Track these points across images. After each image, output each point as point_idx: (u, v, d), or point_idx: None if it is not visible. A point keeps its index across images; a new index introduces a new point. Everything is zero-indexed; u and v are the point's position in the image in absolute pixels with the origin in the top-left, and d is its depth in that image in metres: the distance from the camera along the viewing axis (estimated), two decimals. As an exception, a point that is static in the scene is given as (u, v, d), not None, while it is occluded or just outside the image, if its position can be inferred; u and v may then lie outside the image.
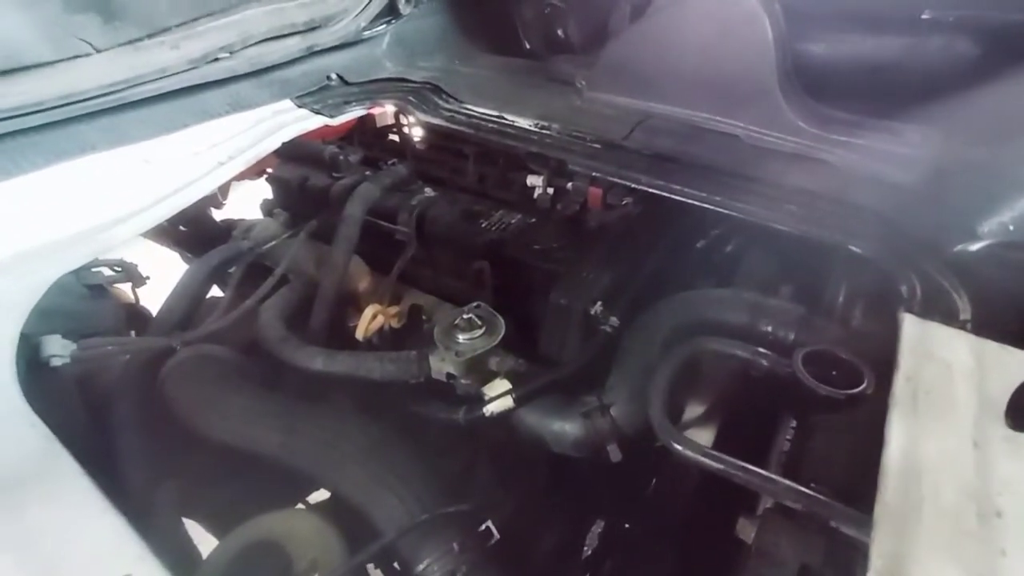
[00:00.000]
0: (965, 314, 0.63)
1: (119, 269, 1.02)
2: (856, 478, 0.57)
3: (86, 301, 0.96)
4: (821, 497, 0.54)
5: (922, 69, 0.96)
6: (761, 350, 0.72)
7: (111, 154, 0.97)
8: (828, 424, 0.67)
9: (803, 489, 0.55)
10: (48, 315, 0.86)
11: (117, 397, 0.95)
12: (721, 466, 0.60)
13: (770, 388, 0.73)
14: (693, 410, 0.95)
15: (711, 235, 1.07)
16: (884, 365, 0.66)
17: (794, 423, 0.70)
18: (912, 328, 0.65)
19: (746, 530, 0.57)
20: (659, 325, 0.85)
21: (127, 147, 0.99)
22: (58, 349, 0.87)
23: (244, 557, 0.73)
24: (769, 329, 0.78)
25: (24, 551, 0.58)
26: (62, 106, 0.83)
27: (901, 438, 0.53)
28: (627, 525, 1.14)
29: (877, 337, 0.73)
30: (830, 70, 1.01)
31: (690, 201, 0.97)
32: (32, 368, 0.82)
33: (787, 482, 0.56)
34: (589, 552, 1.22)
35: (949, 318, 0.65)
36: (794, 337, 0.74)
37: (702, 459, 0.61)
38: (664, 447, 0.92)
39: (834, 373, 0.65)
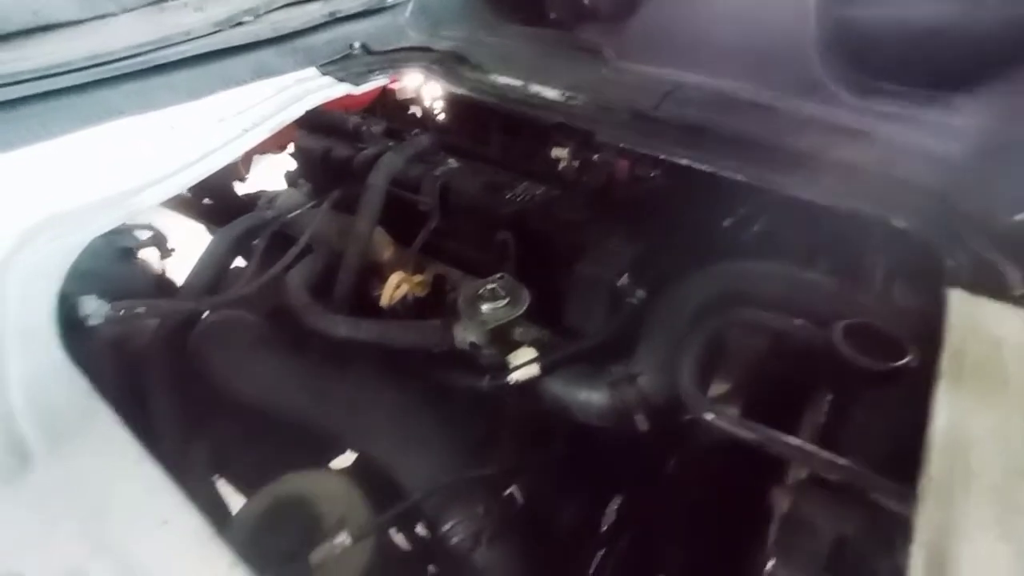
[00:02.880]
0: (1018, 289, 0.61)
1: (149, 234, 1.04)
2: (896, 454, 0.56)
3: (118, 264, 0.98)
4: (860, 469, 0.53)
5: (976, 35, 0.91)
6: (798, 321, 0.70)
7: (138, 119, 0.97)
8: (867, 399, 0.65)
9: (841, 461, 0.54)
10: (83, 276, 0.87)
11: (148, 359, 0.98)
12: (754, 436, 0.59)
13: (805, 362, 0.71)
14: (718, 386, 0.93)
15: (742, 208, 1.04)
16: (928, 341, 0.64)
17: (829, 398, 0.68)
18: (960, 304, 0.62)
19: (780, 499, 0.57)
20: (690, 296, 0.84)
21: (153, 113, 0.99)
22: (94, 309, 0.89)
23: (273, 513, 0.75)
24: (805, 303, 0.76)
25: (71, 497, 0.60)
26: (90, 67, 0.83)
27: (948, 414, 0.51)
28: (645, 502, 1.14)
29: (920, 313, 0.71)
30: (875, 36, 0.96)
31: (722, 173, 0.94)
32: (70, 327, 0.84)
33: (826, 453, 0.55)
34: (606, 528, 1.22)
35: (999, 294, 0.62)
36: (832, 311, 0.72)
37: (735, 429, 0.61)
38: (689, 421, 0.92)
39: (875, 347, 0.63)
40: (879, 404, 0.65)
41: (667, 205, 1.07)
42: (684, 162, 0.96)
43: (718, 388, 0.93)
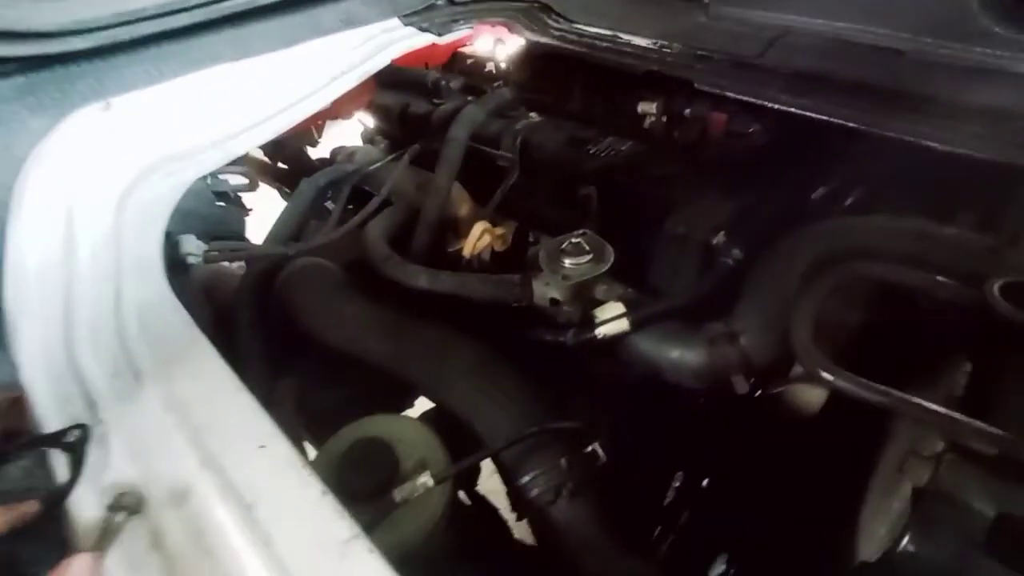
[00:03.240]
0: None
1: (245, 179, 1.07)
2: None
3: (215, 207, 1.02)
4: (1024, 441, 0.45)
5: None
6: (940, 278, 0.62)
7: (235, 65, 0.99)
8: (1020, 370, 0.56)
9: (1000, 432, 0.46)
10: (184, 216, 0.92)
11: (238, 300, 1.02)
12: (886, 400, 0.53)
13: (942, 326, 0.63)
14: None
15: (854, 165, 0.94)
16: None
17: (967, 365, 0.60)
18: None
19: (916, 471, 0.50)
20: (799, 252, 0.76)
21: (249, 60, 1.01)
22: (193, 248, 0.93)
23: (354, 452, 0.76)
24: (942, 261, 0.66)
25: (180, 415, 0.62)
26: (193, 7, 0.86)
27: None
28: (727, 472, 1.08)
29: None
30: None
31: (839, 122, 0.85)
32: (172, 264, 0.88)
33: (979, 423, 0.48)
34: (678, 496, 1.18)
35: None
36: (977, 271, 0.62)
37: (862, 392, 0.54)
38: (777, 393, 0.85)
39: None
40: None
41: (769, 161, 0.98)
42: (796, 112, 0.87)
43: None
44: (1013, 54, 0.79)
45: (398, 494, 0.68)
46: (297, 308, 0.98)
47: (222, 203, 1.13)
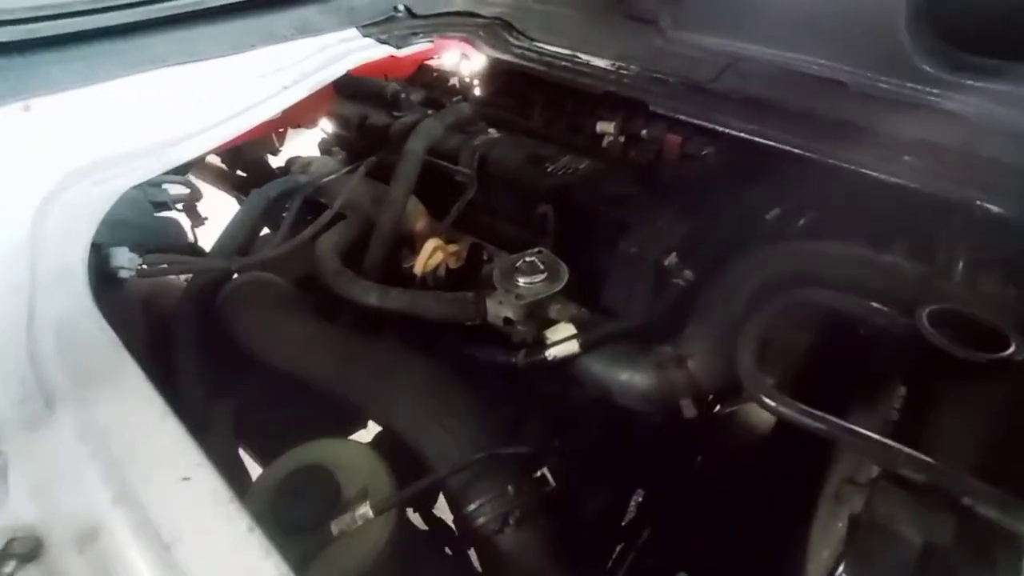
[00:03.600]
0: None
1: (187, 188, 1.02)
2: (992, 456, 0.49)
3: (151, 217, 0.96)
4: (951, 471, 0.46)
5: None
6: (876, 305, 0.63)
7: (180, 70, 0.95)
8: (953, 394, 0.58)
9: (929, 460, 0.47)
10: (116, 227, 0.86)
11: (175, 316, 0.96)
12: (823, 427, 0.53)
13: (874, 352, 0.64)
14: (772, 373, 0.87)
15: (803, 190, 0.96)
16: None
17: (903, 391, 0.61)
18: (1067, 293, 0.55)
19: (851, 499, 0.50)
20: (747, 276, 0.77)
21: (195, 64, 0.97)
22: (126, 261, 0.87)
23: (294, 479, 0.72)
24: (880, 288, 0.68)
25: (95, 445, 0.58)
26: (131, 5, 0.81)
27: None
28: (677, 493, 1.08)
29: (1012, 304, 0.63)
30: (969, 5, 0.87)
31: (786, 148, 0.87)
32: (101, 278, 0.83)
33: (909, 450, 0.48)
34: (632, 517, 1.17)
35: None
36: (911, 298, 0.64)
37: (801, 418, 0.55)
38: (729, 412, 0.85)
39: (965, 336, 0.56)
40: (968, 400, 0.58)
41: (721, 184, 1.00)
42: (745, 136, 0.89)
43: (771, 376, 0.86)
44: (941, 91, 0.83)
45: (335, 526, 0.64)
46: (236, 326, 0.93)
47: (167, 213, 1.08)
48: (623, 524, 1.17)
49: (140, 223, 0.93)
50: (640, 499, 1.19)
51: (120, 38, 0.86)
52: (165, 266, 0.90)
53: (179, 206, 1.14)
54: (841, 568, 0.47)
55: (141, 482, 0.55)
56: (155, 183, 0.98)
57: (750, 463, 0.96)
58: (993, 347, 0.55)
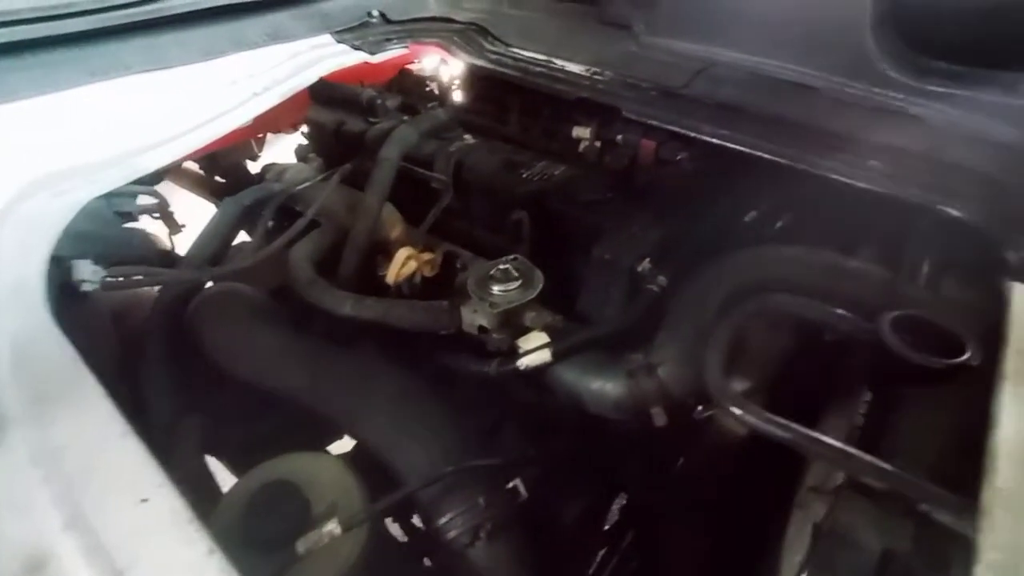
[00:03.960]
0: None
1: (153, 199, 1.00)
2: (947, 460, 0.49)
3: (117, 228, 0.94)
4: (909, 476, 0.47)
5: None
6: (840, 311, 0.64)
7: (147, 77, 0.93)
8: (913, 399, 0.59)
9: (887, 466, 0.48)
10: (79, 239, 0.84)
11: (146, 329, 0.94)
12: (788, 435, 0.53)
13: (837, 359, 0.65)
14: (742, 381, 0.87)
15: (776, 194, 0.97)
16: (983, 338, 0.58)
17: (868, 397, 0.62)
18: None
19: (813, 506, 0.50)
20: (717, 283, 0.77)
21: (163, 71, 0.95)
22: (89, 274, 0.85)
23: (262, 495, 0.71)
24: (846, 293, 0.69)
25: (48, 467, 0.56)
26: (94, 11, 0.79)
27: (1015, 418, 0.45)
28: (655, 501, 1.08)
29: (973, 308, 0.64)
30: (929, 11, 0.89)
31: (757, 153, 0.88)
32: (63, 291, 0.81)
33: (869, 457, 0.49)
34: (609, 526, 1.17)
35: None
36: (877, 303, 0.65)
37: (766, 427, 0.55)
38: (705, 417, 0.85)
39: (927, 342, 0.57)
40: (927, 405, 0.58)
41: (694, 189, 1.00)
42: (716, 142, 0.90)
43: (742, 384, 0.86)
44: (907, 97, 0.84)
45: (302, 544, 0.63)
46: (205, 338, 0.91)
47: (143, 222, 1.05)
48: (605, 529, 1.17)
49: (105, 234, 0.92)
50: (622, 503, 1.19)
51: (82, 45, 0.84)
52: (131, 278, 0.88)
53: (155, 215, 1.12)
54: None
55: (96, 505, 0.53)
56: (121, 193, 0.96)
57: (728, 468, 0.97)
58: (952, 352, 0.55)
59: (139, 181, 0.90)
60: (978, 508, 0.42)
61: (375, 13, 1.23)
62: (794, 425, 0.54)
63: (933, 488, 0.46)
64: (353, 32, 1.19)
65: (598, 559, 1.16)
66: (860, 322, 0.61)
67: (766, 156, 0.86)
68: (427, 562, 0.95)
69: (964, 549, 0.40)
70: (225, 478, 0.98)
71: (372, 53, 1.15)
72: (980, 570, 0.38)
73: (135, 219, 0.98)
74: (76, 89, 0.84)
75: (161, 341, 0.94)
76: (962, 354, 0.54)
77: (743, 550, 0.85)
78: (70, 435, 0.59)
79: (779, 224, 0.97)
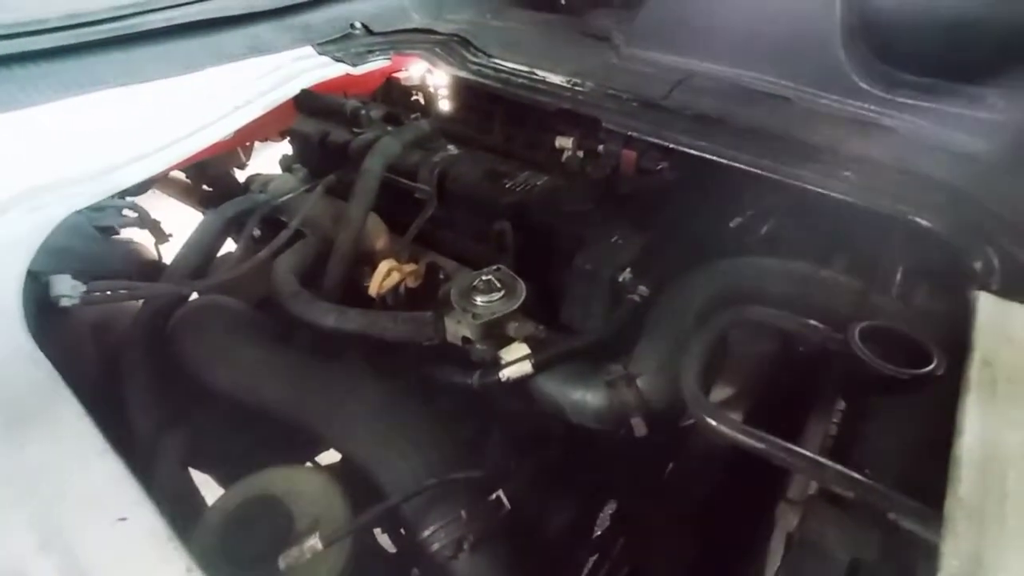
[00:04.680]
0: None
1: (133, 213, 0.99)
2: (917, 468, 0.51)
3: (97, 243, 0.94)
4: (878, 486, 0.48)
5: (1007, 24, 0.86)
6: (812, 322, 0.65)
7: (125, 91, 0.93)
8: (884, 409, 0.60)
9: (857, 476, 0.49)
10: (57, 254, 0.83)
11: (127, 343, 0.93)
12: (762, 446, 0.54)
13: (818, 367, 0.66)
14: (720, 390, 0.88)
15: (753, 203, 0.99)
16: (950, 347, 0.59)
17: (842, 406, 0.63)
18: (989, 308, 0.57)
19: (786, 516, 0.52)
20: (694, 293, 0.78)
21: (142, 85, 0.95)
22: (67, 290, 0.84)
23: (244, 511, 0.71)
24: (820, 303, 0.70)
25: (23, 487, 0.56)
26: (68, 27, 0.79)
27: (979, 427, 0.46)
28: (639, 510, 1.09)
29: (942, 317, 0.66)
30: (899, 25, 0.91)
31: (733, 164, 0.89)
32: (41, 308, 0.80)
33: (838, 467, 0.50)
34: (599, 532, 1.18)
35: (1032, 298, 0.57)
36: (849, 313, 0.66)
37: (740, 437, 0.56)
38: (689, 426, 0.86)
39: (896, 352, 0.58)
40: (897, 414, 0.59)
41: (674, 199, 1.02)
42: (694, 152, 0.91)
43: (721, 392, 0.88)
44: (878, 108, 0.87)
45: (283, 560, 0.63)
46: (186, 352, 0.91)
47: (127, 234, 1.04)
48: (594, 536, 1.18)
49: (85, 249, 0.91)
50: (611, 510, 1.19)
51: (55, 60, 0.83)
52: (112, 293, 0.88)
53: (140, 227, 1.11)
54: (776, 587, 0.48)
55: (72, 525, 0.53)
56: (101, 207, 0.95)
57: (714, 477, 0.98)
58: (920, 362, 0.57)
59: (126, 191, 0.90)
60: (942, 516, 0.43)
61: (358, 25, 1.24)
62: (767, 435, 0.55)
63: (900, 497, 0.47)
64: (335, 44, 1.19)
65: (588, 566, 1.16)
66: (830, 333, 0.63)
67: (743, 167, 0.87)
68: (416, 573, 0.95)
69: (930, 558, 0.41)
70: (211, 490, 0.98)
71: (354, 65, 1.16)
72: (942, 577, 0.39)
73: (116, 232, 0.98)
74: (51, 104, 0.84)
75: (141, 355, 0.93)
76: (929, 364, 0.56)
77: (730, 559, 0.86)
78: (47, 454, 0.59)
79: (761, 232, 0.98)
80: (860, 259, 0.81)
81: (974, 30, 0.86)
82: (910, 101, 0.86)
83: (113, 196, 0.87)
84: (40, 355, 0.69)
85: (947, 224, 0.70)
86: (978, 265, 0.65)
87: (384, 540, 0.99)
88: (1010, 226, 0.67)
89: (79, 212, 0.85)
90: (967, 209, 0.73)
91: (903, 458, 0.55)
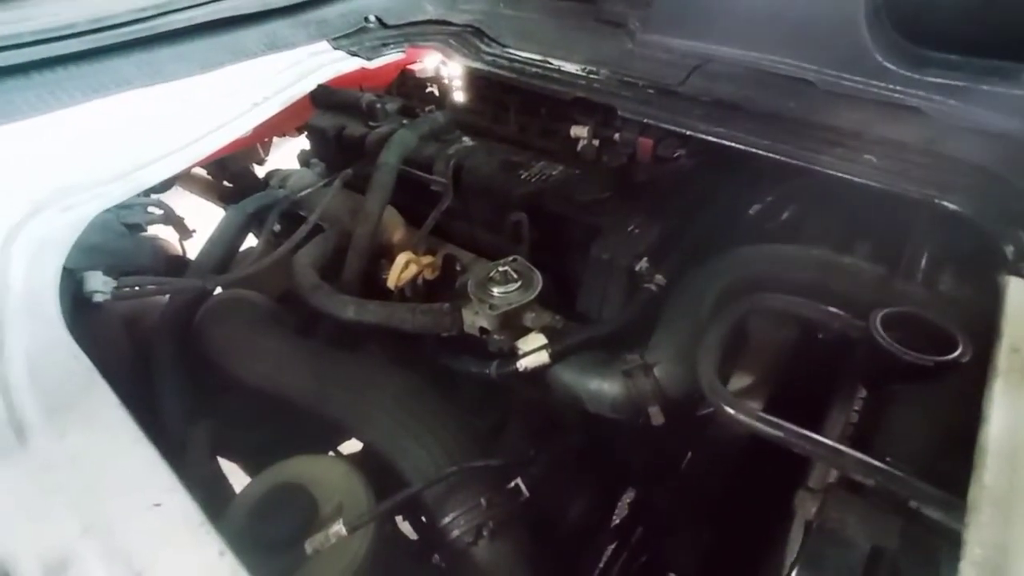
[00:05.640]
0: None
1: (159, 210, 1.02)
2: (940, 457, 0.50)
3: (125, 239, 0.97)
4: (900, 473, 0.47)
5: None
6: (832, 309, 0.64)
7: (148, 90, 0.95)
8: (907, 396, 0.59)
9: (878, 463, 0.48)
10: (89, 251, 0.86)
11: (154, 337, 0.97)
12: (780, 434, 0.54)
13: (837, 355, 0.65)
14: (739, 378, 0.88)
15: (773, 190, 0.97)
16: (977, 334, 0.58)
17: (863, 394, 0.62)
18: (1020, 293, 0.56)
19: (805, 504, 0.51)
20: (711, 281, 0.78)
21: (163, 84, 0.97)
22: (100, 285, 0.87)
23: (270, 498, 0.73)
24: (840, 290, 0.69)
25: (65, 474, 0.58)
26: (94, 31, 0.81)
27: (1006, 415, 0.45)
28: (658, 498, 1.09)
29: (969, 303, 0.64)
30: (928, 1, 0.88)
31: (752, 150, 0.88)
32: (76, 303, 0.83)
33: (858, 454, 0.49)
34: (618, 521, 1.18)
35: (1065, 282, 0.55)
36: (871, 299, 0.65)
37: (758, 425, 0.55)
38: (707, 414, 0.86)
39: (919, 339, 0.57)
40: (921, 402, 0.58)
41: (692, 187, 1.00)
42: (712, 139, 0.90)
43: (740, 381, 0.87)
44: (904, 88, 0.84)
45: (309, 545, 0.65)
46: (212, 345, 0.94)
47: (152, 231, 1.08)
48: (614, 525, 1.18)
49: (115, 246, 0.94)
50: (630, 499, 1.20)
51: (82, 63, 0.86)
52: (139, 288, 0.91)
53: (165, 223, 1.14)
54: (794, 574, 0.47)
55: (111, 510, 0.56)
56: (128, 205, 0.98)
57: (733, 465, 0.97)
58: (944, 349, 0.55)
59: (151, 189, 0.92)
60: (966, 505, 0.42)
61: (372, 18, 1.24)
62: (785, 424, 0.55)
63: (922, 485, 0.46)
64: (350, 38, 1.20)
65: (607, 553, 1.17)
66: (851, 320, 0.62)
67: (763, 153, 0.86)
68: (436, 559, 0.97)
69: (952, 546, 0.41)
70: (239, 478, 1.01)
71: (369, 59, 1.16)
72: (965, 567, 0.39)
73: (144, 229, 1.01)
74: (79, 106, 0.86)
75: (170, 348, 0.96)
76: (954, 351, 0.55)
77: (748, 547, 0.86)
78: (85, 442, 0.62)
79: (781, 218, 0.96)
80: (885, 245, 0.79)
81: (1007, 3, 0.83)
82: (938, 80, 0.83)
83: (139, 194, 0.90)
84: (77, 348, 0.72)
85: (976, 207, 0.68)
86: (1009, 249, 0.63)
87: (405, 527, 1.02)
88: (1042, 209, 0.65)
89: (108, 210, 0.88)
90: (998, 191, 0.70)
91: (925, 446, 0.54)
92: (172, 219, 1.11)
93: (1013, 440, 0.44)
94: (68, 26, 0.78)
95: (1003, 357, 0.50)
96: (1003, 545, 0.38)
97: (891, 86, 0.86)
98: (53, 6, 0.78)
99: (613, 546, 1.19)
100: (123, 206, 0.96)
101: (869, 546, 0.46)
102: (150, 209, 1.02)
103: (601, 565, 1.14)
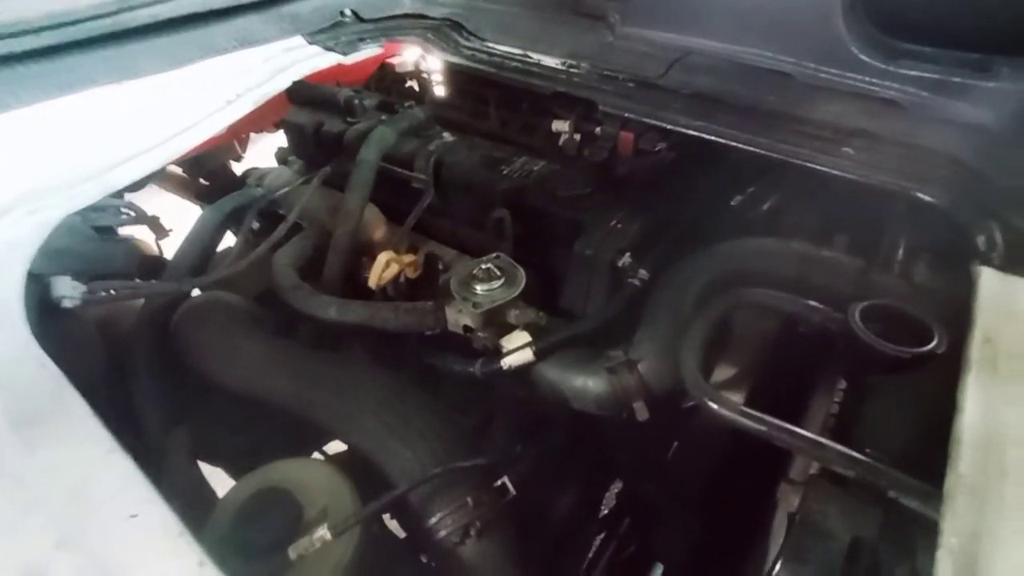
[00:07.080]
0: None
1: (131, 212, 0.99)
2: (917, 447, 0.51)
3: (95, 243, 0.94)
4: (878, 465, 0.48)
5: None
6: (812, 303, 0.65)
7: (116, 88, 0.92)
8: (885, 387, 0.60)
9: (857, 455, 0.49)
10: (57, 256, 0.83)
11: (131, 341, 0.94)
12: (763, 428, 0.55)
13: (819, 347, 0.66)
14: (723, 371, 0.88)
15: (753, 183, 0.97)
16: (952, 324, 0.59)
17: (843, 386, 0.63)
18: (992, 284, 0.57)
19: (788, 497, 0.52)
20: (694, 277, 0.78)
21: (132, 82, 0.94)
22: (68, 290, 0.85)
23: (254, 503, 0.72)
24: (821, 283, 0.70)
25: (37, 487, 0.57)
26: (50, 28, 0.78)
27: (979, 405, 0.46)
28: (647, 487, 1.10)
29: (944, 294, 0.65)
30: (903, -5, 0.89)
31: (732, 143, 0.88)
32: (44, 309, 0.80)
33: (838, 446, 0.50)
34: (606, 512, 1.19)
35: (1036, 273, 0.56)
36: (850, 292, 0.66)
37: (740, 419, 0.56)
38: (692, 407, 0.87)
39: (897, 330, 0.58)
40: (898, 393, 0.59)
41: (673, 180, 1.00)
42: (692, 133, 0.90)
43: (722, 374, 0.88)
44: (880, 81, 0.85)
45: (293, 550, 0.64)
46: (193, 347, 0.92)
47: (129, 231, 1.04)
48: (601, 516, 1.19)
49: (84, 249, 0.91)
50: (617, 490, 1.21)
51: (46, 60, 0.82)
52: (112, 292, 0.88)
53: (140, 224, 1.11)
54: (778, 567, 0.48)
55: (86, 523, 0.54)
56: (99, 207, 0.95)
57: (718, 458, 0.98)
58: (921, 340, 0.56)
59: (121, 189, 0.89)
60: (943, 494, 0.43)
61: (348, 12, 1.21)
62: (767, 417, 0.55)
63: (900, 475, 0.47)
64: (326, 33, 1.17)
65: (596, 544, 1.18)
66: (831, 313, 0.62)
67: (742, 146, 0.86)
68: (424, 559, 0.97)
69: (929, 534, 0.42)
70: (221, 482, 0.99)
71: (345, 54, 1.14)
72: (941, 555, 0.39)
73: (115, 232, 0.98)
74: (43, 104, 0.83)
75: (146, 352, 0.94)
76: (930, 342, 0.56)
77: (733, 538, 0.87)
78: (57, 454, 0.60)
79: (762, 209, 0.97)
80: (863, 236, 0.80)
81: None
82: (912, 72, 0.84)
83: (111, 195, 0.87)
84: (45, 356, 0.69)
85: (950, 198, 0.69)
86: (981, 240, 0.64)
87: (394, 525, 1.01)
88: (1015, 199, 0.66)
89: (77, 213, 0.85)
90: (971, 182, 0.71)
91: (904, 437, 0.55)
92: (145, 220, 1.08)
93: (986, 429, 0.44)
94: (20, 22, 0.75)
95: (975, 347, 0.51)
96: (977, 533, 0.39)
97: (867, 78, 0.87)
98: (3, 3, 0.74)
99: (601, 536, 1.20)
100: (93, 208, 0.93)
101: (849, 537, 0.47)
102: (121, 211, 0.99)
103: (589, 556, 1.15)
